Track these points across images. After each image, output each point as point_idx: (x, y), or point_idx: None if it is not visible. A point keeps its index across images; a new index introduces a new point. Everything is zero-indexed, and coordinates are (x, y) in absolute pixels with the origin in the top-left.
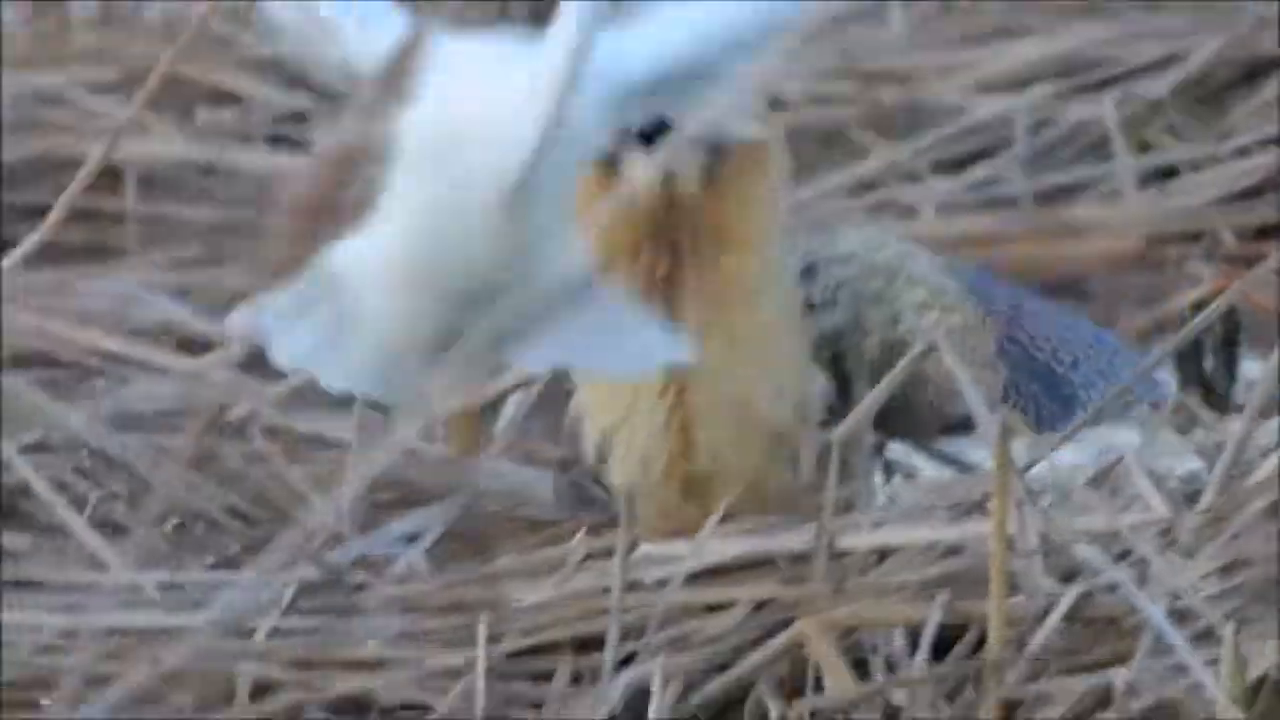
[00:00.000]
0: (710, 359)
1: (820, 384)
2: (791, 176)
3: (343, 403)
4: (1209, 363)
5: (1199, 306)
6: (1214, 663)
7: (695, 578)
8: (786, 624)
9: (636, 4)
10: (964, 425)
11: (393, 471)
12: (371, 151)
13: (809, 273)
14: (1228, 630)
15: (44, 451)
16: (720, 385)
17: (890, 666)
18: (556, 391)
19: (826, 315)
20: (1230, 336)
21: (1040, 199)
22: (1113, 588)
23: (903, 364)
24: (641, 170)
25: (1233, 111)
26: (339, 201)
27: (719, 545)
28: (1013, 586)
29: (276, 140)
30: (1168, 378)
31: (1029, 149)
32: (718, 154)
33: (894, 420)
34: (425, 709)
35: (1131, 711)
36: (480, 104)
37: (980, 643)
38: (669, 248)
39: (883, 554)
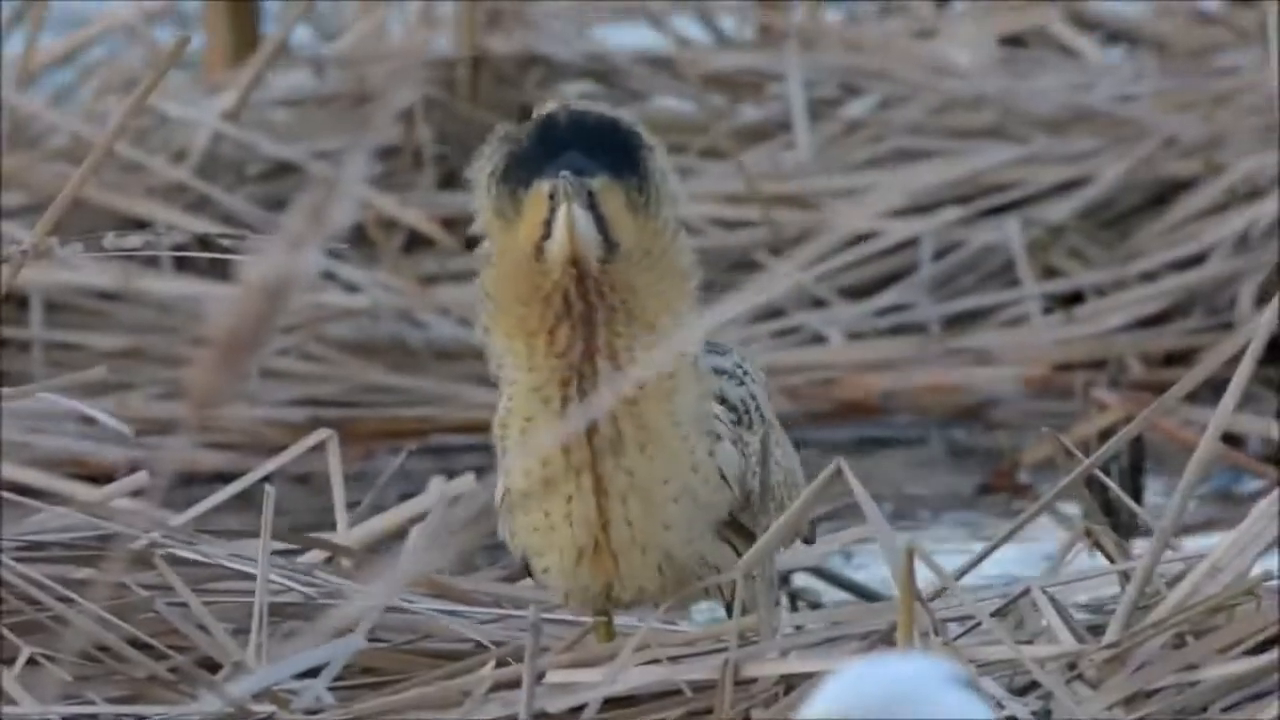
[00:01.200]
0: (627, 451)
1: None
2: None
3: (245, 532)
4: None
5: (1106, 434)
6: None
7: (604, 706)
8: None
9: None
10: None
11: (298, 602)
12: (295, 284)
13: (717, 349)
14: None
15: None
16: (635, 484)
17: None
18: (459, 523)
19: (736, 388)
20: (1136, 464)
21: (946, 325)
22: None
23: (813, 487)
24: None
25: (1138, 235)
26: (262, 333)
27: (626, 674)
28: None
29: (183, 266)
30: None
31: (934, 274)
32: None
33: None
34: None
35: None
36: None
37: None
38: (584, 326)
39: (789, 683)
